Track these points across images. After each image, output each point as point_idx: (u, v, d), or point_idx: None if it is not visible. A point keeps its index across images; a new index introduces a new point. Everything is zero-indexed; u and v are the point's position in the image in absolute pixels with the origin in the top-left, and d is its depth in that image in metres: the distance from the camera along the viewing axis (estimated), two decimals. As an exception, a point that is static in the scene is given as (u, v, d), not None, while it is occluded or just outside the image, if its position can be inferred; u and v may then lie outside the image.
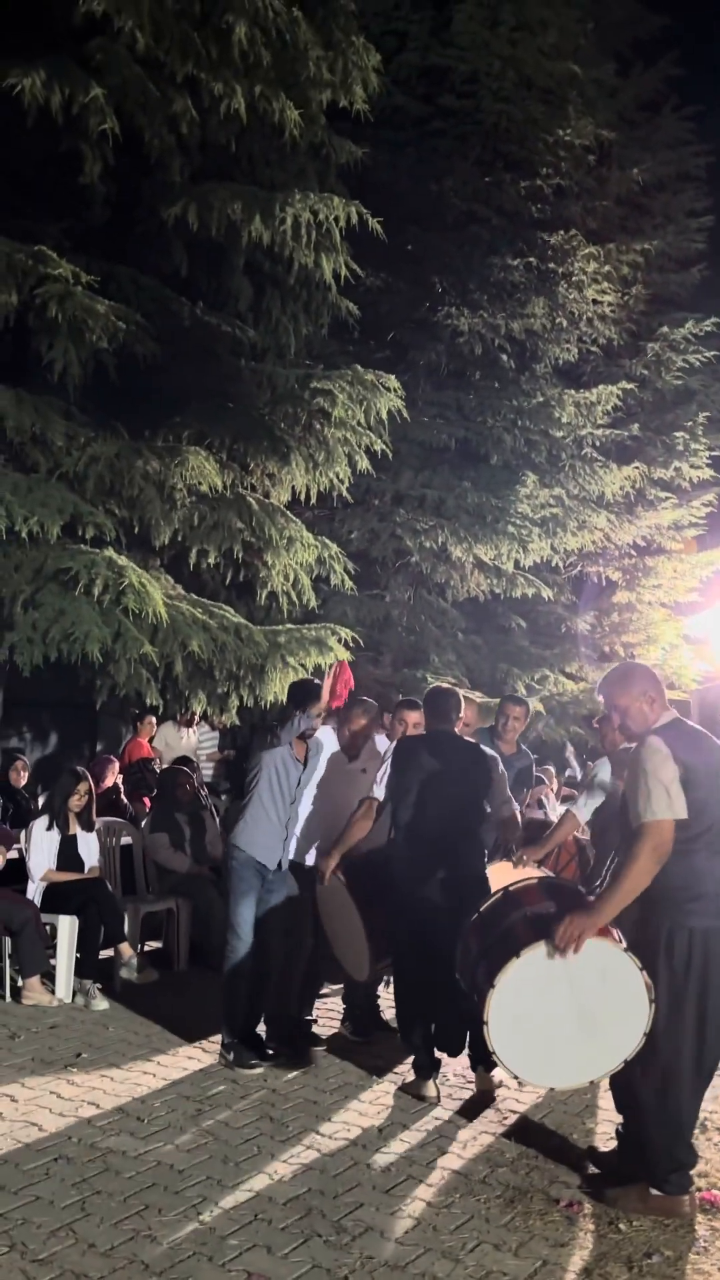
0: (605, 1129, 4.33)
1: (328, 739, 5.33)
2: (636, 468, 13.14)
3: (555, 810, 11.29)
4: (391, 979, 5.10)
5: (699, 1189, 3.74)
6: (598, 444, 13.19)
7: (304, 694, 5.12)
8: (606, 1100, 4.38)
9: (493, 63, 11.82)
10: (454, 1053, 4.74)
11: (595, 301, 12.36)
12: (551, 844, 5.55)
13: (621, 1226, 3.47)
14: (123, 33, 6.88)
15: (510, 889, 4.14)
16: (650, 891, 3.53)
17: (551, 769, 12.22)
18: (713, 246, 16.32)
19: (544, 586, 12.42)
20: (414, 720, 5.58)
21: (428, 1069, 4.67)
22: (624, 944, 3.62)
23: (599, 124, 12.77)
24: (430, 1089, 4.62)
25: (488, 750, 5.14)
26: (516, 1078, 3.82)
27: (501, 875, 4.70)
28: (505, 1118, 4.45)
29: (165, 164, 7.56)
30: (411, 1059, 4.79)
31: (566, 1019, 3.62)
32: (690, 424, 14.83)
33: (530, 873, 4.78)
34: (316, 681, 5.23)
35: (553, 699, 13.70)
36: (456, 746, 4.88)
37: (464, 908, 4.28)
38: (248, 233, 7.67)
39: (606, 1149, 4.08)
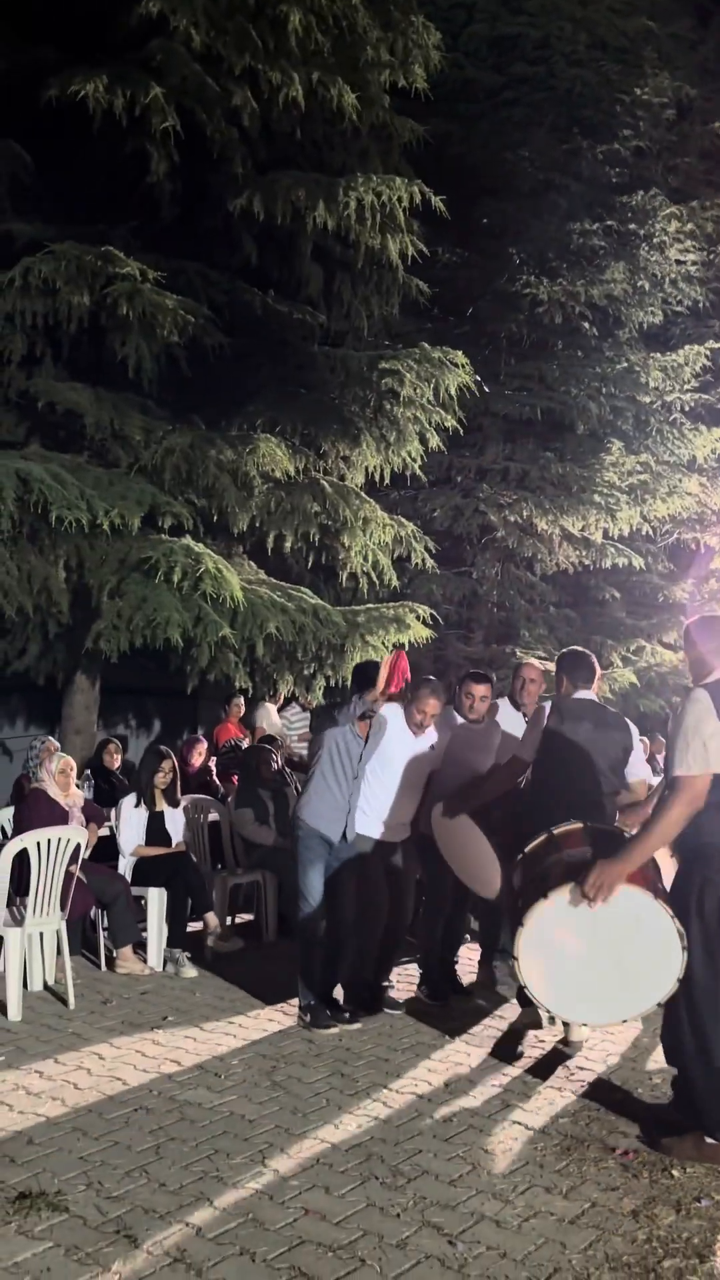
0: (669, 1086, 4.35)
1: (393, 716, 5.41)
2: (728, 429, 12.81)
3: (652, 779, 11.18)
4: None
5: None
6: (687, 408, 12.91)
7: (364, 679, 5.23)
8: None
9: (563, 26, 11.67)
10: None
11: (679, 262, 12.09)
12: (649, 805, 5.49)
13: (674, 1173, 3.51)
14: (179, 31, 7.08)
15: (554, 831, 4.22)
16: (687, 844, 3.56)
17: (646, 740, 12.05)
18: None
19: (635, 556, 12.26)
20: (480, 693, 5.64)
21: None
22: (657, 891, 3.67)
23: (678, 80, 12.45)
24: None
25: (628, 722, 4.91)
26: (548, 1011, 4.03)
27: None
28: (573, 1074, 4.51)
29: (228, 157, 7.73)
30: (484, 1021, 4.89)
31: (596, 960, 3.72)
32: (784, 382, 14.39)
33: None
34: (377, 664, 5.28)
35: (650, 670, 13.49)
36: (602, 714, 4.83)
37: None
38: (312, 219, 7.79)
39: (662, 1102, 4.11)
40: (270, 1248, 3.00)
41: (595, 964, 3.73)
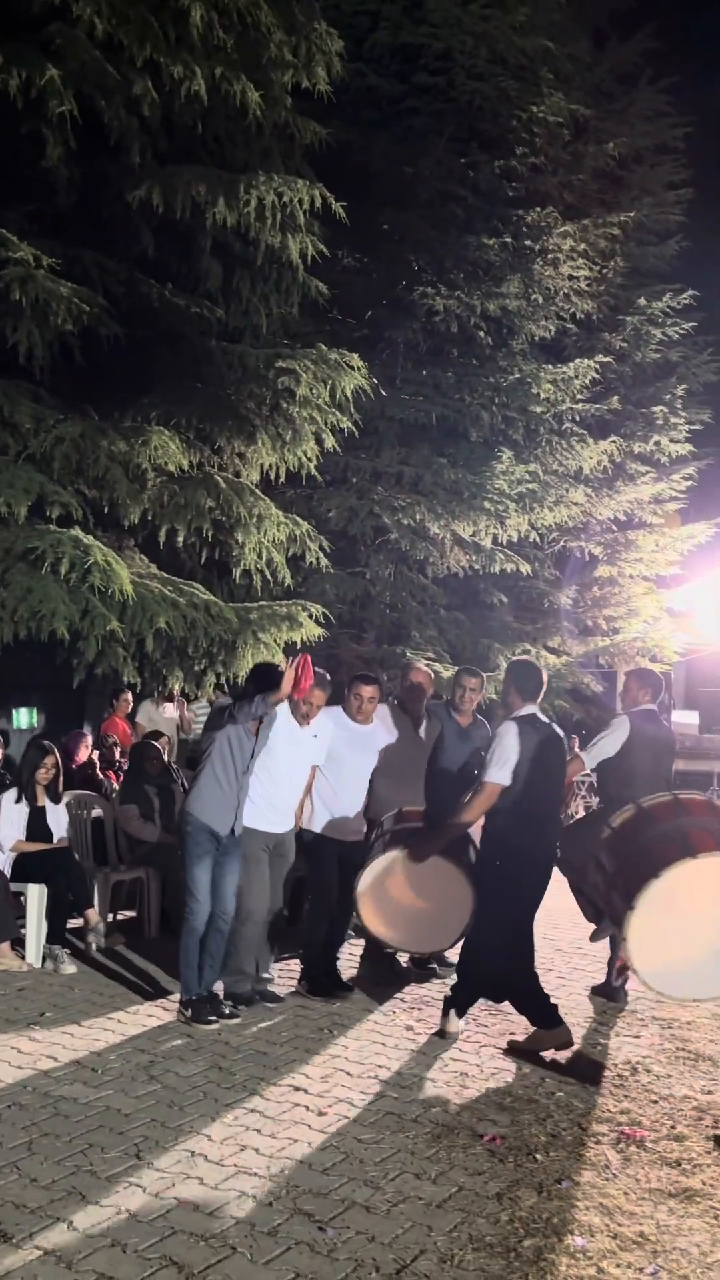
0: (538, 1075, 4.51)
1: (279, 710, 5.46)
2: (613, 442, 13.22)
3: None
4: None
5: (620, 1125, 3.92)
6: (577, 418, 13.29)
7: (265, 680, 5.25)
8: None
9: (465, 40, 11.82)
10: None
11: (571, 277, 12.42)
12: None
13: (538, 1157, 3.65)
14: (81, 20, 6.98)
15: (643, 804, 4.55)
16: None
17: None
18: (691, 219, 16.36)
19: (523, 562, 12.55)
20: (369, 694, 5.77)
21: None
22: None
23: (574, 100, 12.77)
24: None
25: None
26: (660, 994, 4.29)
27: None
28: (445, 1065, 4.63)
29: (127, 146, 7.64)
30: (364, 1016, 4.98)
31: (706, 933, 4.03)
32: (669, 397, 14.93)
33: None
34: (280, 669, 5.27)
35: (535, 673, 13.80)
36: (552, 732, 5.05)
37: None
38: (213, 214, 7.77)
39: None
40: (142, 1239, 3.02)
41: (704, 937, 4.04)
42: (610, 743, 5.64)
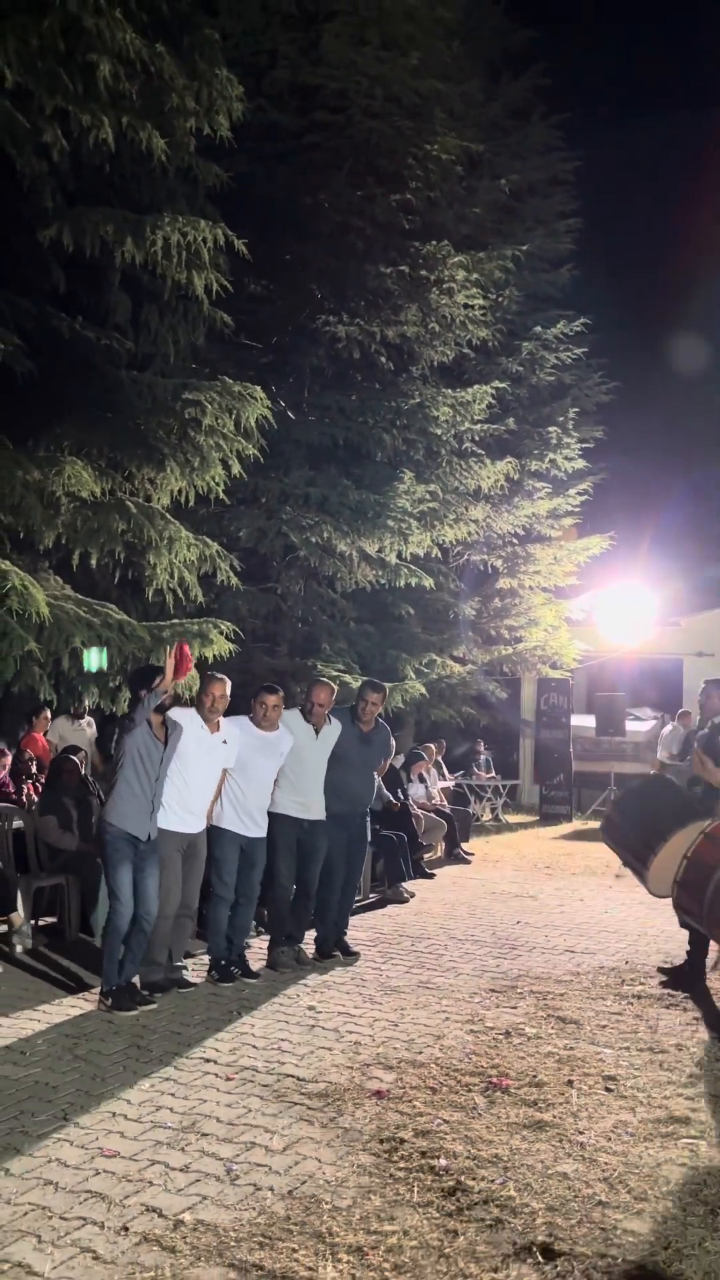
0: (424, 1042, 5.07)
1: (187, 719, 5.96)
2: (510, 462, 13.95)
3: (435, 784, 12.11)
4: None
5: (490, 1077, 4.50)
6: (476, 439, 14.00)
7: (147, 675, 5.79)
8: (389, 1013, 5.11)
9: (360, 81, 12.44)
10: None
11: (466, 306, 13.10)
12: None
13: (417, 1104, 4.19)
14: (-8, 71, 7.38)
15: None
16: None
17: (433, 746, 12.97)
18: (582, 247, 17.29)
19: (426, 576, 13.17)
20: (272, 703, 6.30)
21: None
22: None
23: (467, 137, 13.47)
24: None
25: None
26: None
27: None
28: (342, 1036, 5.15)
29: (38, 189, 8.07)
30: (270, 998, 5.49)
31: None
32: (563, 419, 15.78)
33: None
34: (155, 666, 5.83)
35: (440, 681, 14.48)
36: None
37: None
38: (120, 253, 8.24)
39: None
40: (69, 1179, 3.48)
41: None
42: None
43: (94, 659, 5.60)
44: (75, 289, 8.94)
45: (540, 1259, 3.00)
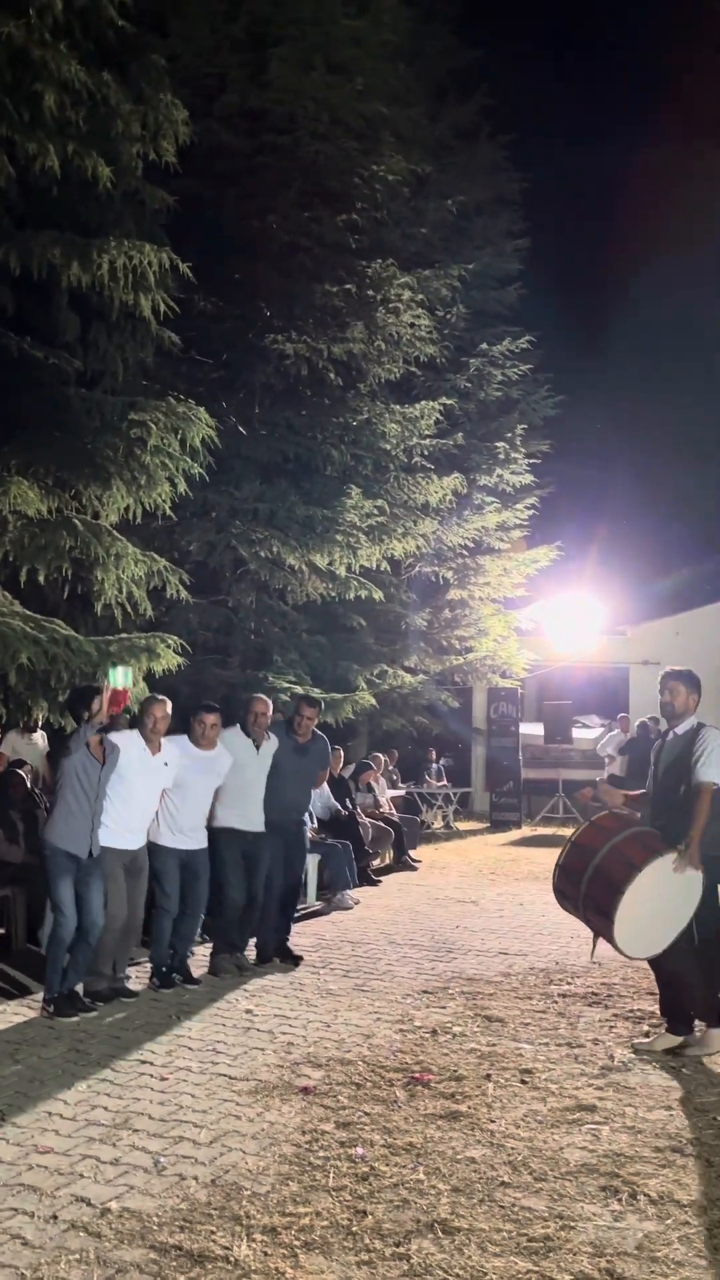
0: (353, 1041, 5.29)
1: (128, 742, 6.16)
2: (457, 477, 14.24)
3: (384, 793, 12.36)
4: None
5: (413, 1072, 4.73)
6: (425, 453, 14.29)
7: (85, 696, 6.00)
8: (359, 1018, 5.34)
9: (307, 105, 12.72)
10: None
11: (413, 324, 13.39)
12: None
13: (341, 1099, 4.42)
14: (-64, 101, 7.56)
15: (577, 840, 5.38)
16: None
17: (382, 756, 13.21)
18: (529, 266, 17.69)
19: (376, 589, 13.42)
20: (211, 721, 6.51)
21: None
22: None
23: (414, 158, 13.79)
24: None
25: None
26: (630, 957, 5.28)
27: None
28: (275, 1037, 5.36)
29: (-15, 215, 8.25)
30: (209, 1004, 5.68)
31: (654, 909, 5.01)
32: (510, 434, 16.13)
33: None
34: (94, 687, 6.04)
35: (392, 692, 14.73)
36: None
37: None
38: (67, 276, 8.42)
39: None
40: (3, 1175, 3.67)
41: (653, 912, 5.00)
42: None
43: (119, 677, 5.75)
44: (23, 308, 9.10)
45: (440, 1234, 3.24)
